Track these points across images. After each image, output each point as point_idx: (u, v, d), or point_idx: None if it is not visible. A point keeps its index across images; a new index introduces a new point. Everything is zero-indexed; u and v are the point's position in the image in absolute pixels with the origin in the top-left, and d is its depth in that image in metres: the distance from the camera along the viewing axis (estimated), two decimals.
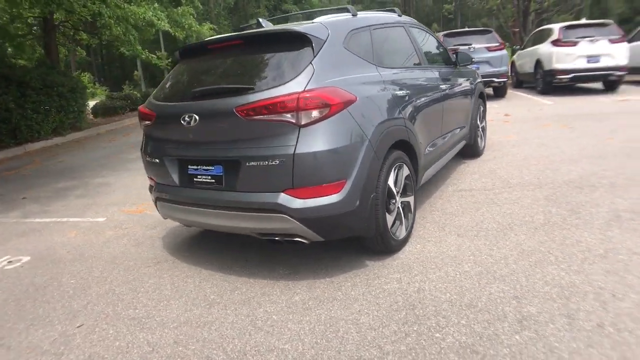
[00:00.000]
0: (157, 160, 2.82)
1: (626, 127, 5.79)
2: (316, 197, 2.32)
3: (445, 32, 11.08)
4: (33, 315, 2.44)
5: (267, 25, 3.15)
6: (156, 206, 3.01)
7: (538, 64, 9.98)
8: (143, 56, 11.36)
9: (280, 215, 2.34)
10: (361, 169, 2.37)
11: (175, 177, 2.74)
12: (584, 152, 4.72)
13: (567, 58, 9.00)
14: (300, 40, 2.46)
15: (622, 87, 9.47)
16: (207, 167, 2.58)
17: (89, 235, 3.69)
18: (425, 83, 3.43)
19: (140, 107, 2.97)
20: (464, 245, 2.79)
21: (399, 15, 3.57)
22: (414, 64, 3.47)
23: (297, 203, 2.32)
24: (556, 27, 9.68)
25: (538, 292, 2.19)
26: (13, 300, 2.65)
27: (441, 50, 4.14)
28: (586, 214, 3.10)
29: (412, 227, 2.99)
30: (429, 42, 3.91)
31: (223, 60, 2.79)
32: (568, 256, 2.53)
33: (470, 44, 9.60)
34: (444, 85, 3.71)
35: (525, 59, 11.00)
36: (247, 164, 2.36)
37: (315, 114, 2.25)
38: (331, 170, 2.30)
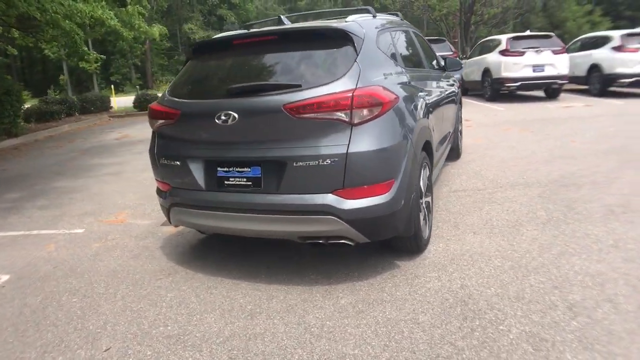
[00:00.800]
0: (178, 163, 2.61)
1: (582, 130, 6.35)
2: (366, 198, 2.27)
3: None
4: (43, 342, 2.13)
5: (288, 23, 3.05)
6: (167, 213, 2.78)
7: (486, 72, 10.67)
8: (91, 56, 10.53)
9: (329, 217, 2.26)
10: (405, 168, 2.37)
11: (201, 180, 2.54)
12: (555, 154, 5.09)
13: (514, 67, 9.72)
14: (341, 38, 2.41)
15: (562, 94, 10.39)
16: (242, 169, 2.43)
17: (72, 248, 3.32)
18: (434, 86, 3.52)
19: (155, 105, 2.76)
20: (484, 242, 2.87)
21: (402, 20, 3.63)
22: (422, 67, 3.55)
23: (347, 204, 2.25)
24: (504, 37, 10.43)
25: (573, 281, 2.31)
26: (10, 326, 2.30)
27: (433, 54, 4.27)
28: (582, 209, 3.33)
29: (431, 226, 3.03)
30: (425, 46, 4.02)
31: (255, 56, 2.67)
32: (584, 247, 2.69)
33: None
34: (443, 89, 3.84)
35: (472, 68, 11.70)
36: (295, 164, 2.25)
37: (366, 112, 2.21)
38: (382, 170, 2.27)
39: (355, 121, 2.20)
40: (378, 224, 2.35)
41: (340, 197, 2.25)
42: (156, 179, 2.87)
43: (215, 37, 2.92)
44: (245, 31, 2.87)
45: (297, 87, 2.30)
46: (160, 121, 2.69)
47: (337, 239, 2.40)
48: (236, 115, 2.33)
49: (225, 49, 2.76)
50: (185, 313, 2.29)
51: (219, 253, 3.05)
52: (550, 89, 10.08)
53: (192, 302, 2.40)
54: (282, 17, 3.15)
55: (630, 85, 9.41)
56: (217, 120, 2.37)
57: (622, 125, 6.60)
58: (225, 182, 2.48)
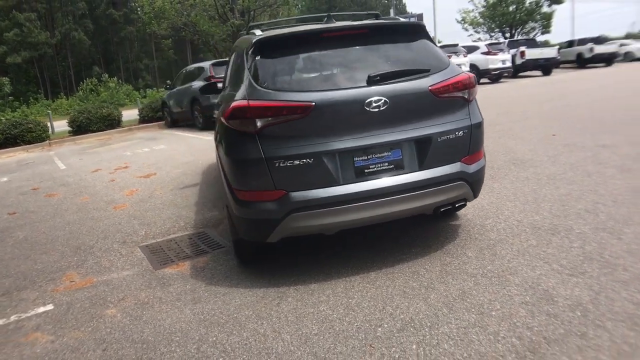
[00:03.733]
0: (307, 160, 2.50)
1: None
2: (478, 161, 2.84)
3: (214, 61, 11.31)
4: None
5: (337, 22, 3.23)
6: (276, 224, 2.58)
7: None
8: None
9: (461, 182, 2.73)
10: None
11: (336, 174, 2.54)
12: None
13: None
14: (418, 32, 2.95)
15: None
16: (382, 154, 2.60)
17: (85, 324, 2.51)
18: None
19: (265, 102, 2.50)
20: None
21: None
22: None
23: (470, 168, 2.77)
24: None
25: None
26: None
27: None
28: None
29: None
30: None
31: (354, 48, 2.83)
32: None
33: None
34: None
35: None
36: (439, 139, 2.65)
37: (474, 92, 2.86)
38: (482, 137, 2.91)
39: (470, 98, 2.81)
40: (481, 182, 2.94)
41: (466, 163, 2.77)
42: (254, 191, 2.60)
43: (297, 30, 2.94)
44: (331, 25, 2.98)
45: (426, 71, 2.72)
46: (280, 118, 2.50)
47: (462, 202, 2.88)
48: (387, 100, 2.54)
49: (310, 42, 2.83)
50: (338, 334, 2.47)
51: (269, 264, 3.18)
52: None
53: (335, 323, 2.37)
54: (331, 14, 3.36)
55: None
56: (366, 108, 2.51)
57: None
58: (365, 170, 2.58)
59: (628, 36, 38.26)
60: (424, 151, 2.68)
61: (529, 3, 33.28)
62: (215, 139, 3.61)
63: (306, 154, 2.52)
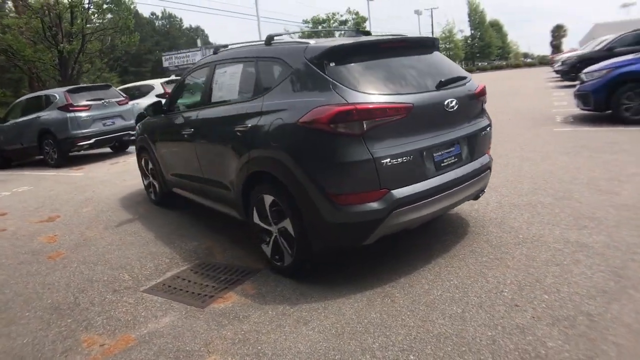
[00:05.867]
0: (409, 157, 2.73)
1: None
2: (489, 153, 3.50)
3: (69, 88, 9.69)
4: None
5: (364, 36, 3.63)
6: (381, 223, 2.68)
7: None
8: None
9: (489, 170, 3.35)
10: None
11: (427, 170, 2.84)
12: None
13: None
14: (436, 45, 3.45)
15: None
16: (449, 149, 2.99)
17: None
18: None
19: (375, 104, 2.65)
20: None
21: None
22: None
23: (490, 159, 3.42)
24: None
25: None
26: None
27: None
28: None
29: None
30: None
31: (412, 57, 3.19)
32: None
33: (103, 99, 9.59)
34: None
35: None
36: (482, 134, 3.26)
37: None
38: None
39: (485, 102, 3.48)
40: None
41: (488, 155, 3.42)
42: (358, 193, 2.66)
43: (366, 40, 3.11)
44: (395, 36, 3.39)
45: (466, 78, 3.28)
46: (384, 119, 2.67)
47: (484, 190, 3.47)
48: (457, 102, 2.99)
49: (376, 50, 3.04)
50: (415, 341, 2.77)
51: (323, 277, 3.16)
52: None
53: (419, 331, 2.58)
54: (359, 29, 3.61)
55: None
56: (446, 108, 2.92)
57: None
58: (442, 164, 2.93)
59: None
60: (472, 146, 3.19)
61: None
62: (245, 151, 3.31)
63: (407, 152, 2.74)
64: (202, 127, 4.01)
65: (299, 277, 3.17)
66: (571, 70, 14.31)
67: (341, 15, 37.26)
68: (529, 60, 60.13)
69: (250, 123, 3.26)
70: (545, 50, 78.42)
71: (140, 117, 11.03)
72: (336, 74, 2.83)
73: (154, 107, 4.88)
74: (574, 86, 8.98)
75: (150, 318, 2.91)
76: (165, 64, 40.69)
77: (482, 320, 2.44)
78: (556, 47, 71.87)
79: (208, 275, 3.50)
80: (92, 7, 17.51)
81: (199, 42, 48.93)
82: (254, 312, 2.82)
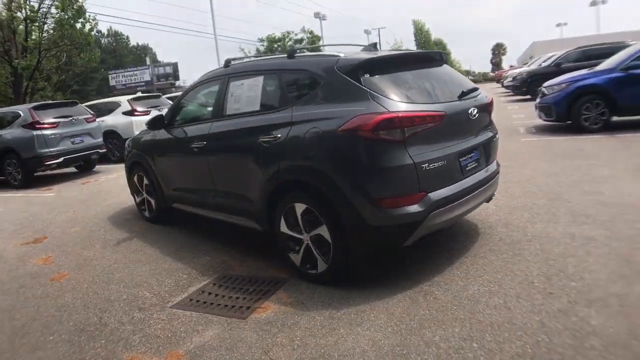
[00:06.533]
0: (444, 162, 2.95)
1: None
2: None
3: (34, 104, 9.33)
4: None
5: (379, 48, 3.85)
6: (417, 226, 2.86)
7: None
8: None
9: (498, 175, 3.70)
10: None
11: (457, 173, 3.08)
12: None
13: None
14: (445, 59, 3.69)
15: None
16: (470, 154, 3.24)
17: None
18: None
19: (415, 112, 2.87)
20: None
21: None
22: None
23: (498, 165, 3.80)
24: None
25: None
26: None
27: None
28: None
29: None
30: None
31: (431, 69, 3.45)
32: None
33: (71, 116, 9.36)
34: None
35: None
36: (494, 139, 3.59)
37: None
38: None
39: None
40: None
41: (497, 162, 3.74)
42: (399, 196, 2.83)
43: (396, 54, 3.45)
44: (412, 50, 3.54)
45: (479, 90, 3.57)
46: (422, 126, 2.89)
47: None
48: (478, 111, 3.28)
49: (403, 63, 3.32)
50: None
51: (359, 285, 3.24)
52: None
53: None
54: (376, 43, 3.81)
55: None
56: (470, 117, 3.20)
57: None
58: (466, 168, 3.18)
59: None
60: (487, 152, 3.50)
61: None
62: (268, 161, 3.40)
63: (441, 157, 2.97)
64: (216, 140, 3.99)
65: (332, 284, 3.22)
66: (522, 85, 15.40)
67: (296, 34, 37.64)
68: (471, 77, 64.03)
69: (278, 133, 3.31)
70: (486, 67, 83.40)
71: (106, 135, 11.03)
72: (372, 85, 3.00)
73: (154, 122, 4.80)
74: (525, 100, 9.67)
75: (191, 333, 2.85)
76: (112, 82, 39.41)
77: (526, 308, 2.63)
78: (496, 65, 76.93)
79: (234, 288, 3.46)
80: (51, 22, 16.59)
81: (147, 60, 48.16)
82: (301, 319, 2.84)
